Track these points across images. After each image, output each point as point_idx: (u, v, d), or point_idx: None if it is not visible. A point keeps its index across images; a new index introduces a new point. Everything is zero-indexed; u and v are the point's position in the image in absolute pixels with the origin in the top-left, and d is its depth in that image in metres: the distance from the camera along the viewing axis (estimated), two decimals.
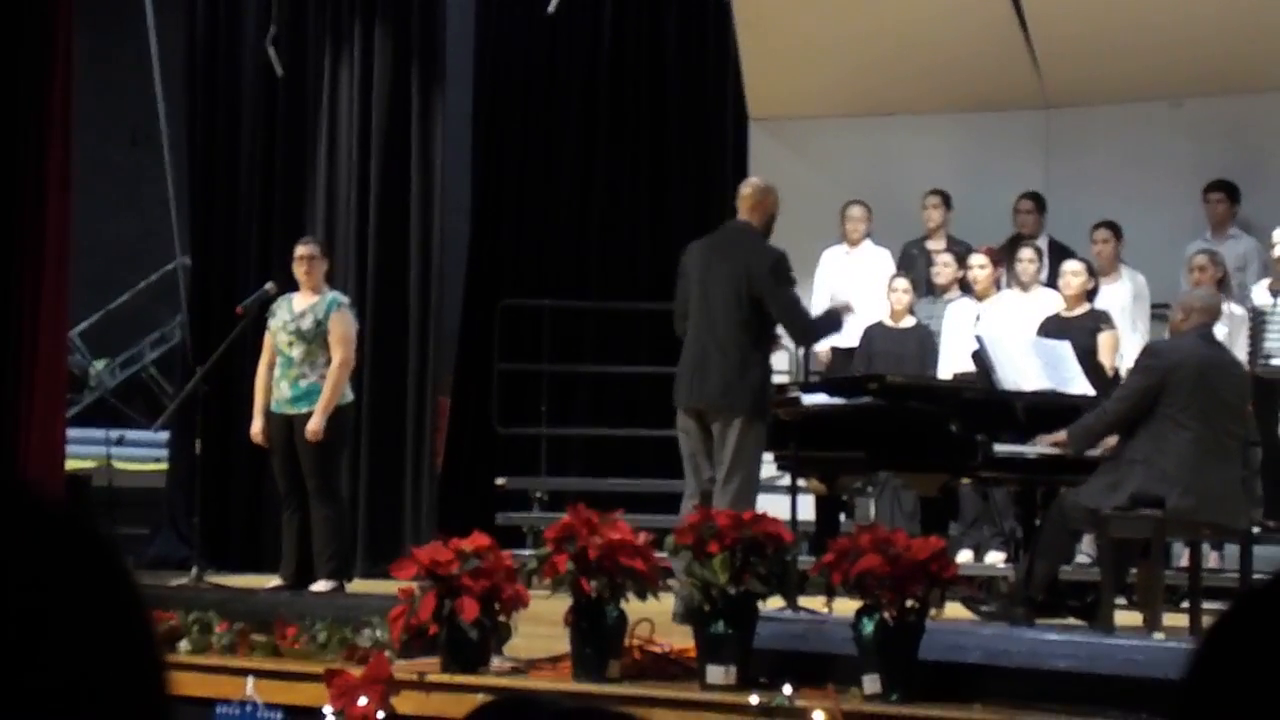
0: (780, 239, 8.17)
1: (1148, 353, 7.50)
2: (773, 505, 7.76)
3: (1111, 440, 7.33)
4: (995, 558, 9.44)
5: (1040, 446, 7.40)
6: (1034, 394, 7.74)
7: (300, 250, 8.89)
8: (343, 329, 8.68)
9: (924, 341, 9.79)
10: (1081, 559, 8.89)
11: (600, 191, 12.25)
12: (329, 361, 8.64)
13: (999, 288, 9.82)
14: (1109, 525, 7.12)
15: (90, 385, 17.07)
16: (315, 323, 8.66)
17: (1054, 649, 5.67)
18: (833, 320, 8.23)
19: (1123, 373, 9.27)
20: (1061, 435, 7.33)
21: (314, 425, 8.48)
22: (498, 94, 12.47)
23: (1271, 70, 10.04)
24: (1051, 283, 9.57)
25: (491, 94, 12.48)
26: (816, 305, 10.44)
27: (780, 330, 7.90)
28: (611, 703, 5.80)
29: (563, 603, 6.14)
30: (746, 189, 8.07)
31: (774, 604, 6.24)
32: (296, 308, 8.74)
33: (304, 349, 8.65)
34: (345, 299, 8.95)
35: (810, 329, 8.16)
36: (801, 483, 7.89)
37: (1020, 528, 8.20)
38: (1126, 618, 7.39)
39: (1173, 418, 7.03)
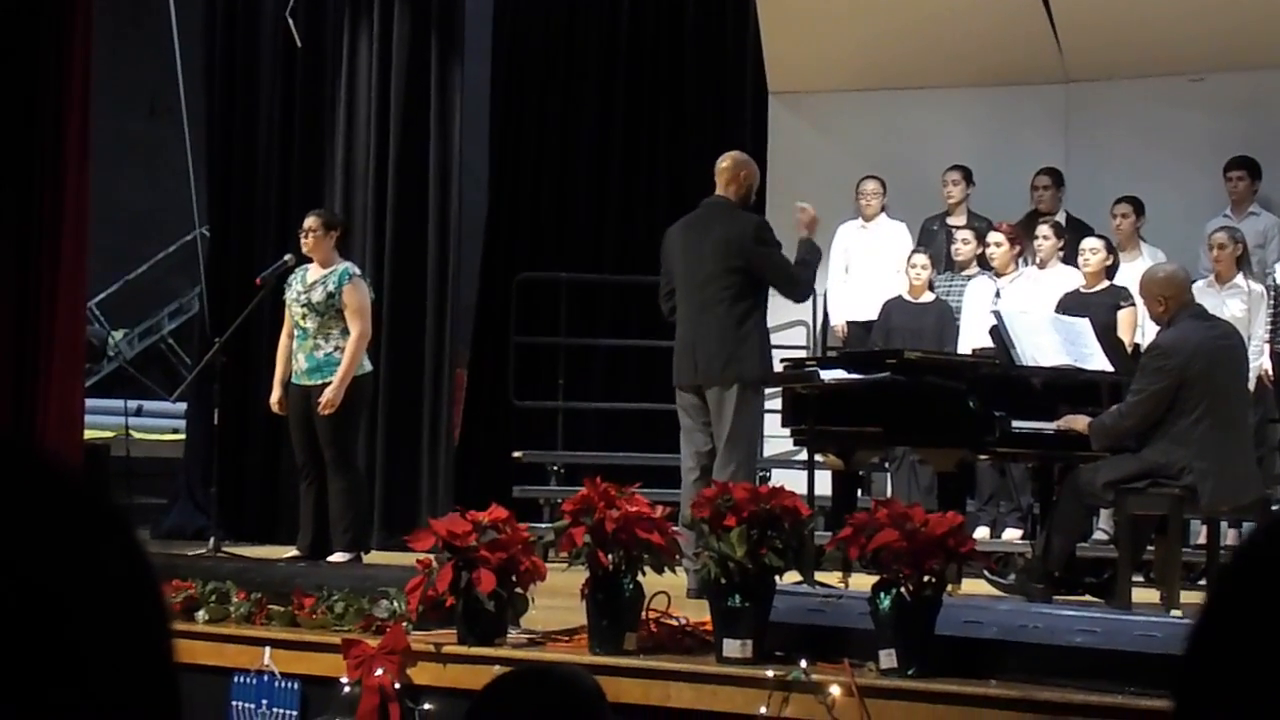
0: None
1: (1158, 354, 7.18)
2: (790, 480, 7.76)
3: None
4: (1012, 534, 9.43)
5: (1058, 424, 7.38)
6: (1053, 370, 7.72)
7: (305, 223, 8.88)
8: (357, 301, 8.66)
9: (942, 316, 9.76)
10: (1099, 536, 8.88)
11: (618, 165, 12.23)
12: (344, 332, 8.63)
13: (1018, 264, 9.79)
14: (1127, 502, 7.10)
15: (109, 355, 17.11)
16: (327, 294, 8.65)
17: (1071, 625, 5.64)
18: (809, 257, 7.96)
19: (1143, 349, 9.24)
20: (1082, 423, 7.27)
21: (328, 396, 8.49)
22: (516, 67, 12.45)
23: None
24: (1069, 259, 9.53)
25: (510, 67, 12.46)
26: (833, 280, 10.45)
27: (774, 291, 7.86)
28: (628, 675, 5.80)
29: (579, 575, 6.13)
30: (725, 161, 7.99)
31: (791, 578, 6.22)
32: (309, 279, 8.74)
33: (317, 321, 8.65)
34: (356, 270, 8.92)
35: (801, 281, 7.98)
36: (819, 458, 7.88)
37: (1037, 504, 8.19)
38: (1144, 595, 7.38)
39: (1189, 413, 6.99)
